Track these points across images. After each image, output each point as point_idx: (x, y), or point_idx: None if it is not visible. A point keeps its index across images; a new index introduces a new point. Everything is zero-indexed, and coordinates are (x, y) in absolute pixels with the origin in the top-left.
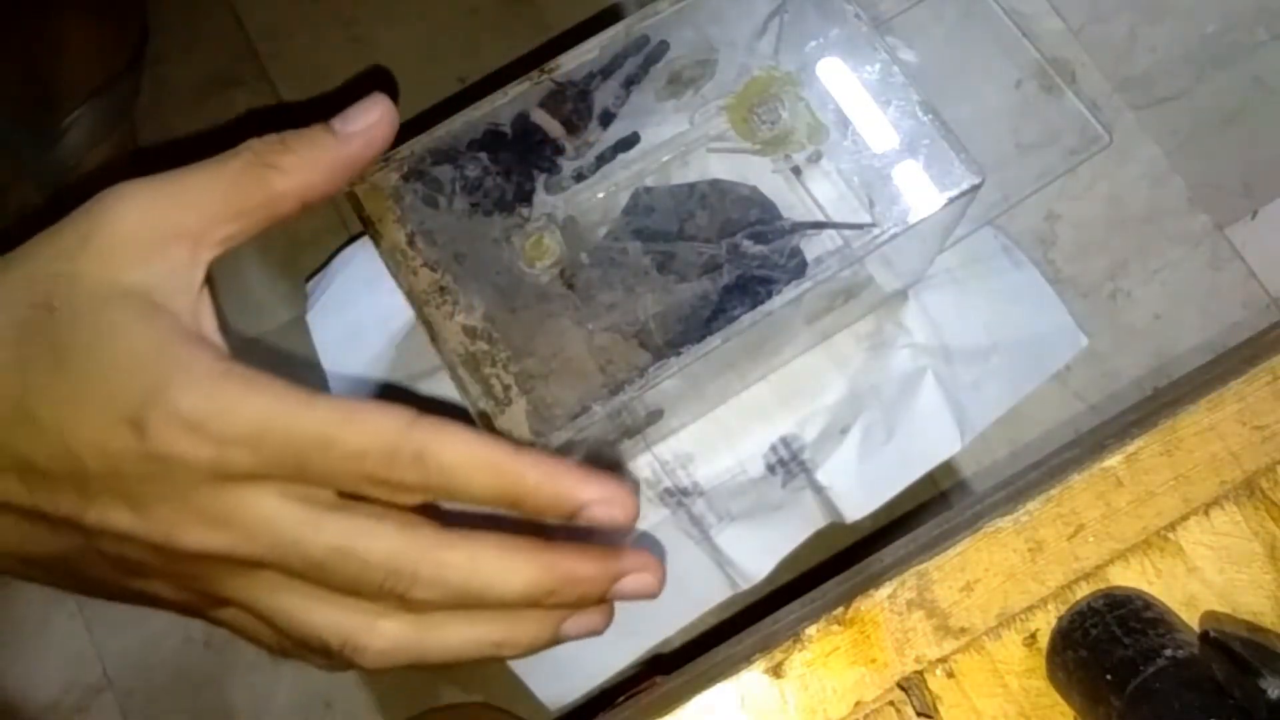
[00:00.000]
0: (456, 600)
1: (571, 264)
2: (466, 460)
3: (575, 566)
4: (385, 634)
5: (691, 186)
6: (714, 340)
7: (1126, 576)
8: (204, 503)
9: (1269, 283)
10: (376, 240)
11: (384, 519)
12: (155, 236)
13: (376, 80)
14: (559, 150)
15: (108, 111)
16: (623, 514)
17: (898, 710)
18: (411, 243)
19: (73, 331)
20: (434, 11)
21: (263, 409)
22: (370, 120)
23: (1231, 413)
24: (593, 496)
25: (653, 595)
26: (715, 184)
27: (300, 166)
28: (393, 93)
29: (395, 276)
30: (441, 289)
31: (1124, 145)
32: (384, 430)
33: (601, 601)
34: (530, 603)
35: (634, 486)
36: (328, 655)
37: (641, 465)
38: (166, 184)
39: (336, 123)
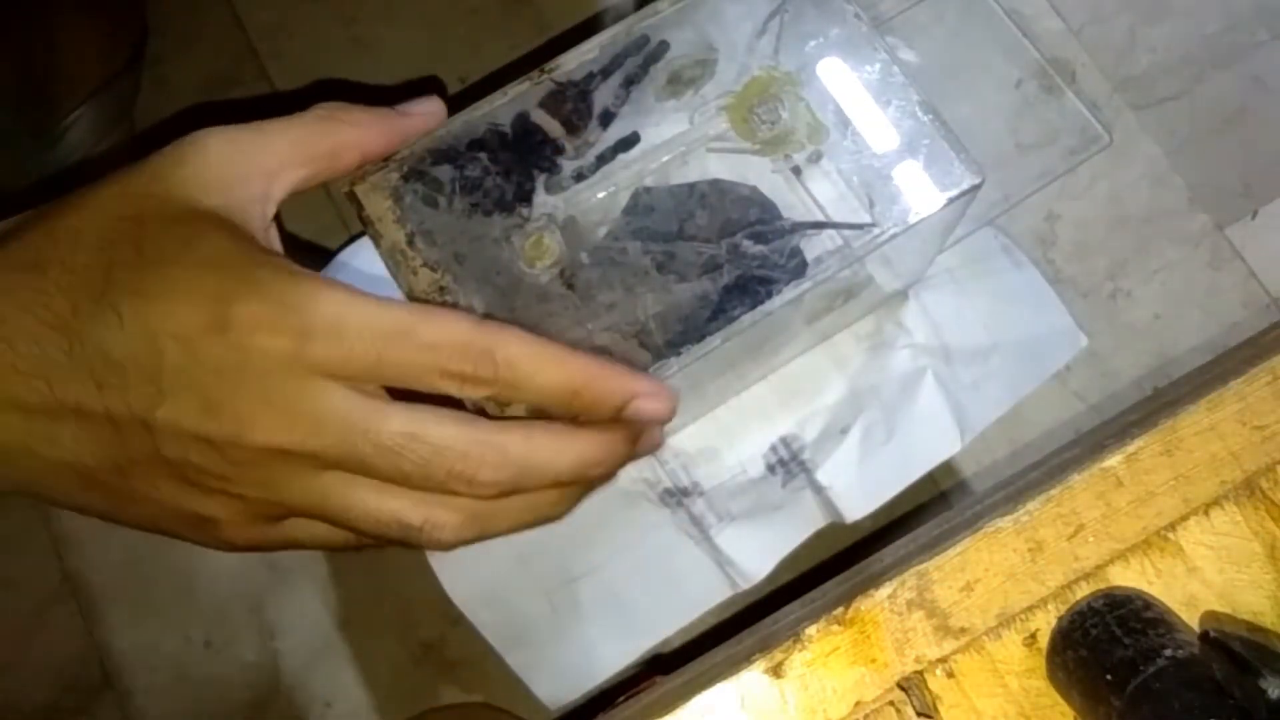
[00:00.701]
0: (516, 482)
1: (571, 264)
2: (531, 355)
3: (617, 434)
4: (462, 508)
5: (691, 186)
6: (714, 340)
7: (1126, 576)
8: (277, 395)
9: (1269, 283)
10: (377, 240)
11: (443, 411)
12: (237, 171)
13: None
14: (559, 150)
15: (108, 111)
16: (666, 407)
17: (898, 710)
18: (411, 242)
19: (160, 236)
20: (435, 11)
21: (344, 303)
22: (428, 107)
23: (1231, 413)
24: (643, 389)
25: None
26: (715, 184)
27: (365, 123)
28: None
29: (395, 276)
30: (441, 289)
31: (1124, 145)
32: (457, 326)
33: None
34: (578, 478)
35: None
36: (406, 540)
37: (641, 465)
38: (249, 129)
39: (398, 106)
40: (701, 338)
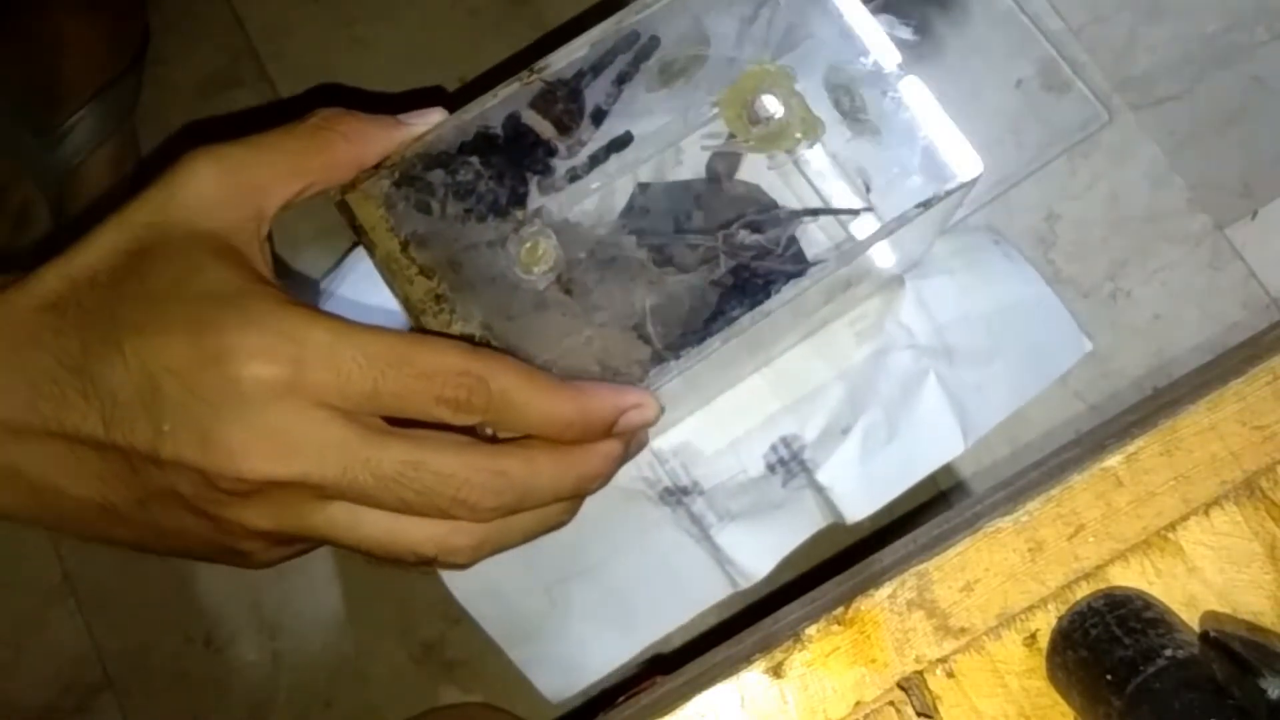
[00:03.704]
0: (519, 504)
1: (568, 268)
2: (523, 386)
3: (615, 447)
4: (473, 531)
5: (689, 184)
6: (714, 342)
7: (1126, 576)
8: (273, 426)
9: (1269, 283)
10: (370, 249)
11: (443, 437)
12: (230, 191)
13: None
14: (551, 151)
15: (110, 111)
16: (652, 414)
17: (898, 710)
18: (406, 250)
19: (160, 270)
20: (435, 11)
21: (339, 332)
22: (430, 118)
23: (1231, 413)
24: (629, 403)
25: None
26: (713, 181)
27: (362, 135)
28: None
29: (390, 286)
30: (438, 297)
31: (1124, 145)
32: (451, 354)
33: None
34: (579, 492)
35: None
36: (424, 565)
37: (641, 465)
38: (241, 145)
39: (401, 116)
40: (701, 340)
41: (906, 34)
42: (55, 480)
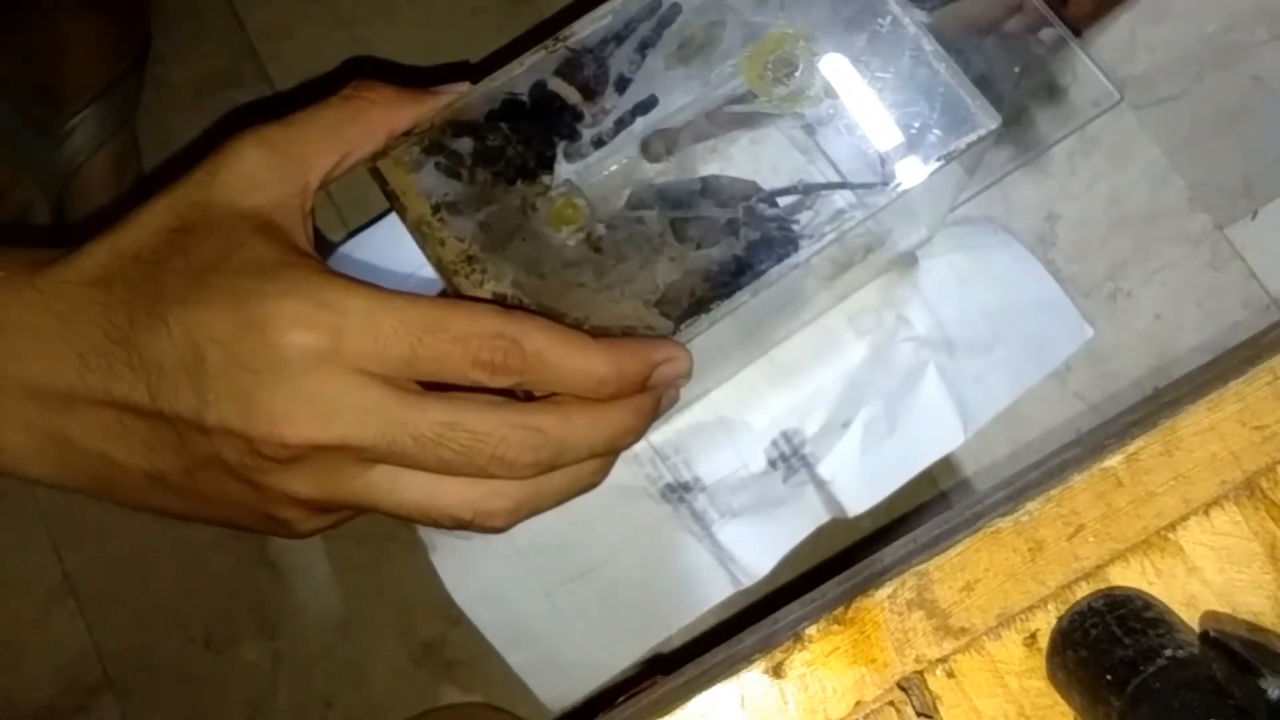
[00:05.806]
0: (555, 460)
1: (596, 229)
2: (557, 345)
3: (647, 401)
4: (509, 493)
5: (690, 181)
6: (743, 295)
7: (1126, 576)
8: (314, 392)
9: (1269, 283)
10: (402, 213)
11: (479, 398)
12: (274, 168)
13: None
14: (578, 117)
15: (112, 113)
16: (684, 366)
17: (898, 710)
18: (436, 213)
19: (203, 246)
20: (435, 12)
21: (376, 300)
22: (459, 89)
23: (1231, 413)
24: (662, 356)
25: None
26: (716, 179)
27: (392, 100)
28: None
29: (422, 248)
30: (470, 258)
31: (1124, 145)
32: (485, 317)
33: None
34: (613, 448)
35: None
36: (460, 528)
37: (643, 461)
38: (279, 125)
39: (431, 89)
40: (731, 293)
41: (922, 16)
42: (104, 449)
